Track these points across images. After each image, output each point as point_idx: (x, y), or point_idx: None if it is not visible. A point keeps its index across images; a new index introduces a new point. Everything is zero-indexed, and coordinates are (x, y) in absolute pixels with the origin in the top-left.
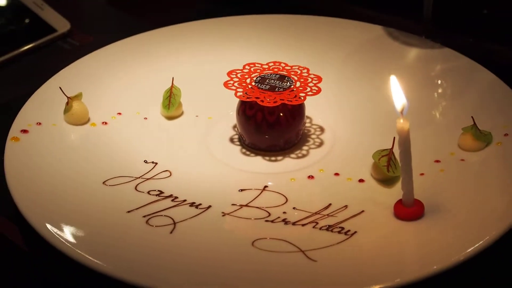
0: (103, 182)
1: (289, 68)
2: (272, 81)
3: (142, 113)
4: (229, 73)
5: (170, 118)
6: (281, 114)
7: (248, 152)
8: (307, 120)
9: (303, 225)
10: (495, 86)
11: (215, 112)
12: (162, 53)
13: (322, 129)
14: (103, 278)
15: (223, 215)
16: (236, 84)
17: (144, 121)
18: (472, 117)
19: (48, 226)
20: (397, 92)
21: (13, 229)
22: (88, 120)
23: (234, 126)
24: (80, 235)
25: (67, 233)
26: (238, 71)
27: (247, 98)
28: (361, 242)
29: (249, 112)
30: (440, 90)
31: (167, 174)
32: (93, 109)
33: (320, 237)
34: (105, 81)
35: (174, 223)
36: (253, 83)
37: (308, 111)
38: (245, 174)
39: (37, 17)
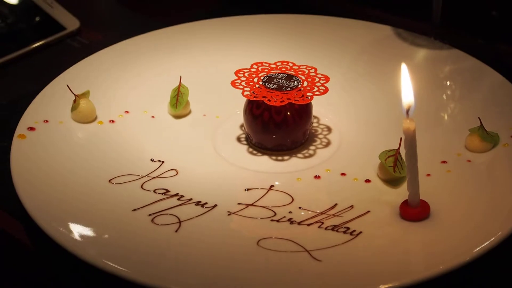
0: (109, 180)
1: (297, 67)
2: (280, 80)
3: (149, 111)
4: (236, 72)
5: (177, 117)
6: (288, 113)
7: (255, 152)
8: (314, 120)
9: (308, 224)
10: (503, 88)
11: (223, 111)
12: (170, 52)
13: (329, 129)
14: (107, 276)
15: (228, 214)
16: (243, 83)
17: (151, 120)
18: (479, 118)
19: (53, 223)
20: (406, 87)
21: (18, 227)
22: (95, 118)
23: (241, 126)
24: (85, 233)
25: (72, 231)
26: (245, 70)
27: (254, 97)
28: (367, 242)
29: (256, 112)
30: (447, 91)
31: (174, 172)
32: (101, 107)
33: (326, 237)
34: (113, 79)
35: (180, 222)
36: (261, 83)
37: (315, 111)
38: (251, 174)
39: (47, 15)
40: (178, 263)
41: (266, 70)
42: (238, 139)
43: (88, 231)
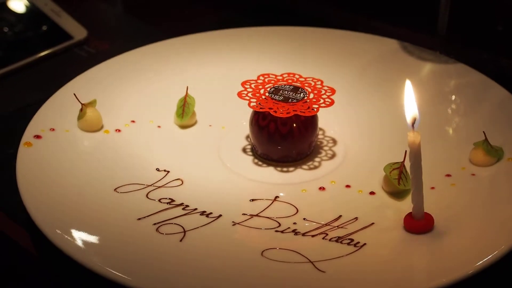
0: (115, 189)
1: (303, 79)
2: (286, 92)
3: (155, 121)
4: (243, 83)
5: (183, 127)
6: (294, 125)
7: (260, 163)
8: (320, 132)
9: (312, 236)
10: (508, 102)
11: (229, 122)
12: (177, 62)
13: (334, 141)
14: (111, 284)
15: (233, 225)
16: (249, 94)
17: (157, 130)
18: (483, 132)
19: (58, 231)
20: (410, 102)
21: (24, 234)
22: (102, 127)
23: (247, 136)
24: (90, 241)
25: (77, 239)
26: (252, 82)
27: (260, 108)
28: (370, 254)
29: (262, 123)
30: (453, 105)
31: (179, 182)
32: (107, 116)
33: (330, 249)
34: (120, 88)
35: (184, 231)
36: (267, 94)
37: (321, 123)
38: (256, 184)
39: (55, 24)
40: (182, 272)
41: (273, 81)
42: (244, 150)
43: (92, 239)
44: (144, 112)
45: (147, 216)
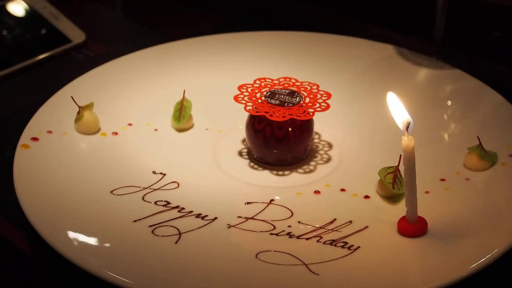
0: (111, 191)
1: (299, 84)
2: (282, 96)
3: (152, 124)
4: (239, 87)
5: (180, 130)
6: (290, 129)
7: (256, 166)
8: (316, 136)
9: (307, 239)
10: (503, 108)
11: (225, 126)
12: (174, 66)
13: (330, 145)
14: (106, 286)
15: (228, 227)
16: (246, 98)
17: (154, 133)
18: (478, 137)
19: (55, 233)
20: (398, 110)
21: (20, 236)
22: (99, 130)
23: (243, 140)
24: (86, 243)
25: (73, 241)
26: (248, 86)
27: (256, 112)
28: (364, 257)
29: (258, 126)
30: (448, 110)
31: (175, 185)
32: (104, 119)
33: (324, 251)
34: (117, 92)
35: (180, 234)
36: (263, 98)
37: (317, 127)
38: (252, 188)
39: (53, 27)
40: (177, 273)
41: (269, 85)
42: (240, 154)
43: (89, 241)
44: (141, 115)
45: (143, 218)
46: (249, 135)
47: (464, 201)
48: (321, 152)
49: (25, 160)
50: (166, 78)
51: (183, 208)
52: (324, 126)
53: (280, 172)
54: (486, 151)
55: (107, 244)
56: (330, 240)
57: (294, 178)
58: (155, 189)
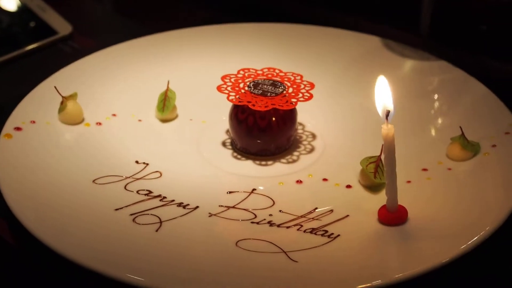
0: (93, 181)
1: (283, 74)
2: (265, 86)
3: (136, 115)
4: (223, 78)
5: (164, 121)
6: (273, 119)
7: (239, 156)
8: (299, 127)
9: (287, 227)
10: (487, 99)
11: (209, 117)
12: (158, 57)
13: (313, 136)
14: (88, 273)
15: (209, 216)
16: (229, 88)
17: (138, 123)
18: (460, 127)
19: (37, 221)
20: (382, 97)
21: (2, 224)
22: (83, 120)
23: (227, 131)
24: (68, 231)
25: (55, 229)
26: (232, 76)
27: (239, 102)
28: (344, 244)
29: (241, 116)
30: (432, 101)
31: (158, 175)
32: (88, 109)
33: (304, 239)
34: (101, 82)
35: (161, 222)
36: (246, 88)
37: (300, 118)
38: (234, 177)
39: (40, 19)
40: (157, 261)
41: (253, 76)
42: (223, 144)
43: (70, 229)
44: (125, 106)
45: (125, 207)
46: (232, 125)
47: (445, 190)
48: (305, 142)
49: (8, 150)
50: (151, 69)
51: (165, 197)
52: (308, 116)
53: (263, 162)
54: (468, 141)
55: (88, 232)
56: (310, 228)
57: (277, 168)
58: (138, 179)
